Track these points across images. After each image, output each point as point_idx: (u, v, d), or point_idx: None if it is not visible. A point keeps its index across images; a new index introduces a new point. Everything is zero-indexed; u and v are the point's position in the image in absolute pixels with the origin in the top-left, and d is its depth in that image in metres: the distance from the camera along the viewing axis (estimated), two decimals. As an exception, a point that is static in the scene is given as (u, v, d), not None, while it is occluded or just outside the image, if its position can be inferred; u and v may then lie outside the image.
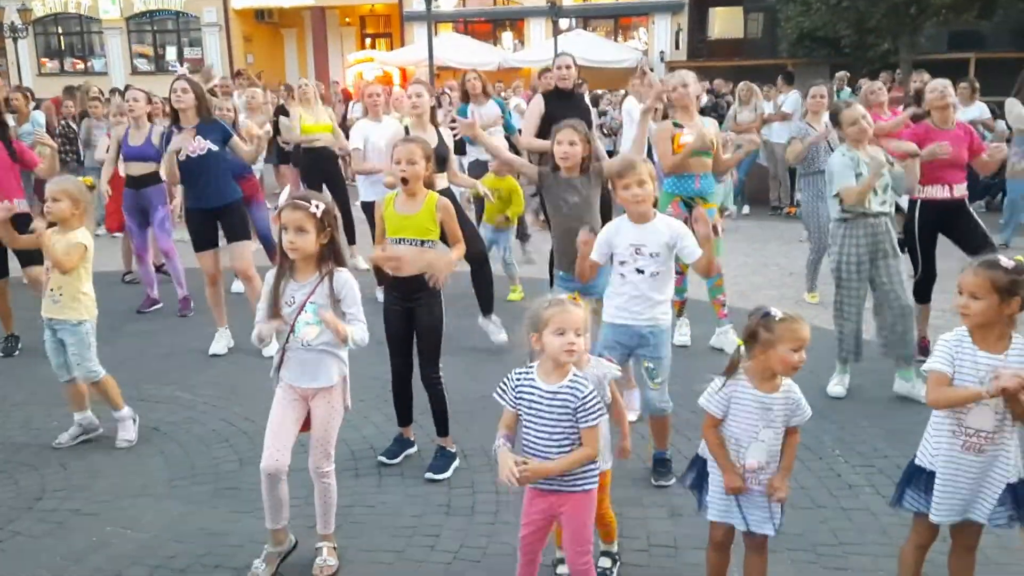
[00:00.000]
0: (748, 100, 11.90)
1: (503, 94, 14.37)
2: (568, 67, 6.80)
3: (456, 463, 4.41)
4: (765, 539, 3.03)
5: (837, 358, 5.36)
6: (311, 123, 8.99)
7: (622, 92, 13.41)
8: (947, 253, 5.86)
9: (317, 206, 3.30)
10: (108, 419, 4.88)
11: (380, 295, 5.16)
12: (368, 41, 33.18)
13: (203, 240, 6.24)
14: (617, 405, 3.25)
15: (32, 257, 6.20)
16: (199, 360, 6.19)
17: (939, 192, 5.71)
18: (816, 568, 3.50)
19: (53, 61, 33.50)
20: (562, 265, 4.77)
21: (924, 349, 5.68)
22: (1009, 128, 9.63)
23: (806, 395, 2.97)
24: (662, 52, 29.31)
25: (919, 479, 2.94)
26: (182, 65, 23.57)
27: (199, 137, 5.93)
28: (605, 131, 12.69)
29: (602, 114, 13.57)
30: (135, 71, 31.69)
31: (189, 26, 32.22)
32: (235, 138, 6.18)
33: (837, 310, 5.33)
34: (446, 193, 5.95)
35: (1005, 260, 2.75)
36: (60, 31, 33.56)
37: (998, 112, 10.60)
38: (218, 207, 6.15)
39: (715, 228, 6.01)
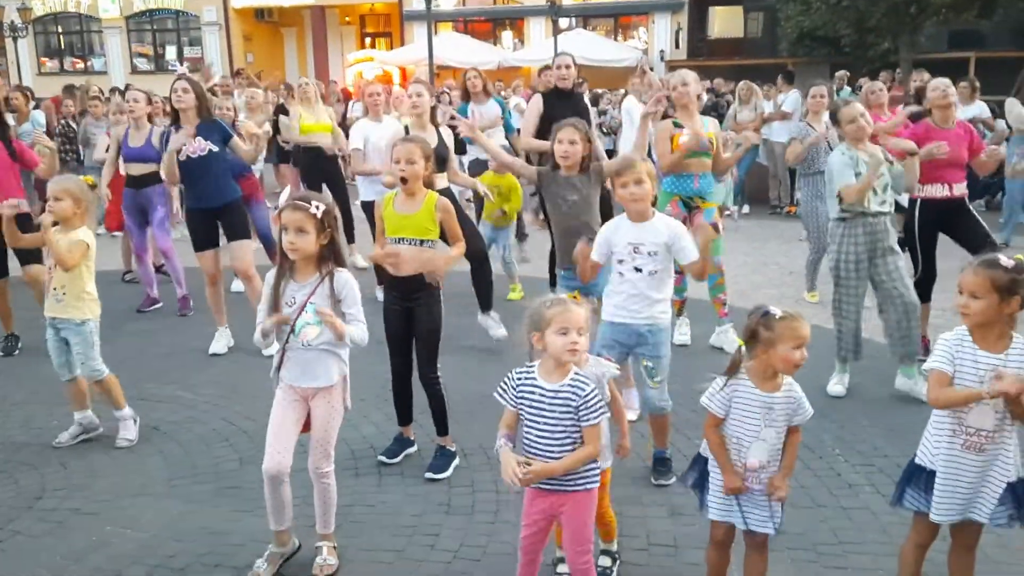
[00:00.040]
0: (748, 99, 11.89)
1: (503, 93, 14.36)
2: (568, 67, 6.80)
3: (456, 462, 4.41)
4: (765, 538, 3.03)
5: (836, 357, 5.36)
6: (311, 122, 8.98)
7: (622, 91, 13.42)
8: (947, 252, 5.86)
9: (317, 207, 3.30)
10: (108, 418, 4.88)
11: (380, 294, 5.17)
12: (368, 40, 33.18)
13: (203, 240, 6.24)
14: (616, 404, 3.25)
15: (31, 256, 6.20)
16: (199, 359, 6.19)
17: (939, 191, 5.71)
18: (816, 567, 3.50)
19: (53, 60, 33.49)
20: (563, 264, 4.77)
21: (924, 348, 5.67)
22: (1009, 127, 9.62)
23: (806, 394, 2.97)
24: (662, 51, 29.31)
25: (919, 478, 2.95)
26: (182, 64, 23.56)
27: (199, 138, 5.93)
28: (604, 130, 12.69)
29: (602, 113, 13.56)
30: (135, 70, 31.69)
31: (189, 25, 32.21)
32: (235, 138, 6.18)
33: (836, 309, 5.33)
34: (445, 193, 5.95)
35: (1005, 259, 2.75)
36: (60, 30, 33.55)
37: (998, 111, 10.60)
38: (218, 207, 6.15)
39: (715, 227, 6.02)
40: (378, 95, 7.42)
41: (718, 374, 2.97)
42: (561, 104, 6.60)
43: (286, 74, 29.02)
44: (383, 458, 4.48)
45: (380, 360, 4.55)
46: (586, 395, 2.83)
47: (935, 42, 25.85)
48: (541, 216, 7.03)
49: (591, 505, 2.97)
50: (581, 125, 4.69)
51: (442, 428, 4.43)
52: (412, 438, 4.61)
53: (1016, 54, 22.11)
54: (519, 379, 2.91)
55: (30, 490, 4.28)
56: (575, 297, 3.79)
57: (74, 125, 10.90)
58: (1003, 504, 2.87)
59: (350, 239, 8.59)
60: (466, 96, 8.34)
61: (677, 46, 29.77)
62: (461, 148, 6.97)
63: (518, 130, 8.05)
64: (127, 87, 11.22)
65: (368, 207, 6.68)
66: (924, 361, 3.44)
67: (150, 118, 7.54)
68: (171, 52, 32.34)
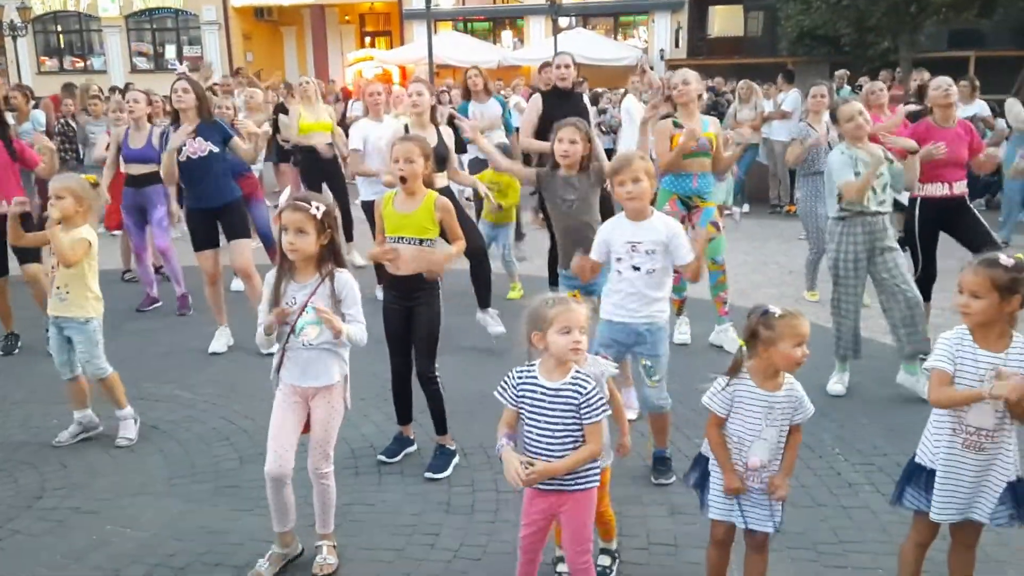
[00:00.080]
0: (748, 98, 11.89)
1: (503, 92, 14.36)
2: (567, 66, 6.78)
3: (456, 460, 4.41)
4: (766, 537, 3.03)
5: (836, 356, 5.36)
6: (311, 121, 8.98)
7: (621, 90, 13.41)
8: (947, 252, 5.86)
9: (317, 207, 3.30)
10: (108, 417, 4.88)
11: (380, 294, 5.17)
12: (368, 39, 33.18)
13: (203, 240, 6.24)
14: (615, 402, 3.25)
15: (29, 255, 6.20)
16: (199, 358, 6.19)
17: (939, 190, 5.71)
18: (816, 566, 3.50)
19: (52, 59, 33.50)
20: (564, 264, 4.77)
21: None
22: (1009, 127, 9.62)
23: (806, 393, 2.97)
24: (662, 50, 29.33)
25: (919, 477, 2.94)
26: (181, 63, 23.56)
27: (200, 138, 5.93)
28: (603, 129, 12.68)
29: (601, 112, 13.57)
30: (134, 69, 31.70)
31: (188, 24, 32.23)
32: (235, 138, 6.18)
33: (834, 307, 5.32)
34: (445, 191, 5.95)
35: (1005, 258, 2.74)
36: (59, 29, 33.56)
37: (998, 110, 10.60)
38: (218, 206, 6.15)
39: (716, 225, 6.03)
40: (379, 95, 7.42)
41: (719, 374, 2.97)
42: (561, 104, 6.59)
43: (286, 73, 29.02)
44: (383, 457, 4.48)
45: (380, 359, 4.55)
46: (588, 393, 2.83)
47: (935, 41, 25.86)
48: (540, 215, 7.04)
49: (591, 504, 2.97)
50: (582, 125, 4.69)
51: (441, 427, 4.43)
52: (412, 437, 4.61)
53: (1016, 53, 22.11)
54: (519, 378, 2.91)
55: (30, 489, 4.28)
56: (575, 296, 3.81)
57: (73, 124, 10.90)
58: (1003, 504, 2.87)
59: (349, 238, 8.59)
60: (467, 95, 8.32)
61: (677, 45, 29.78)
62: (461, 147, 6.97)
63: (517, 129, 8.05)
64: (127, 86, 11.21)
65: (368, 207, 6.68)
66: (924, 359, 3.44)
67: (150, 118, 7.53)
68: (170, 51, 32.36)
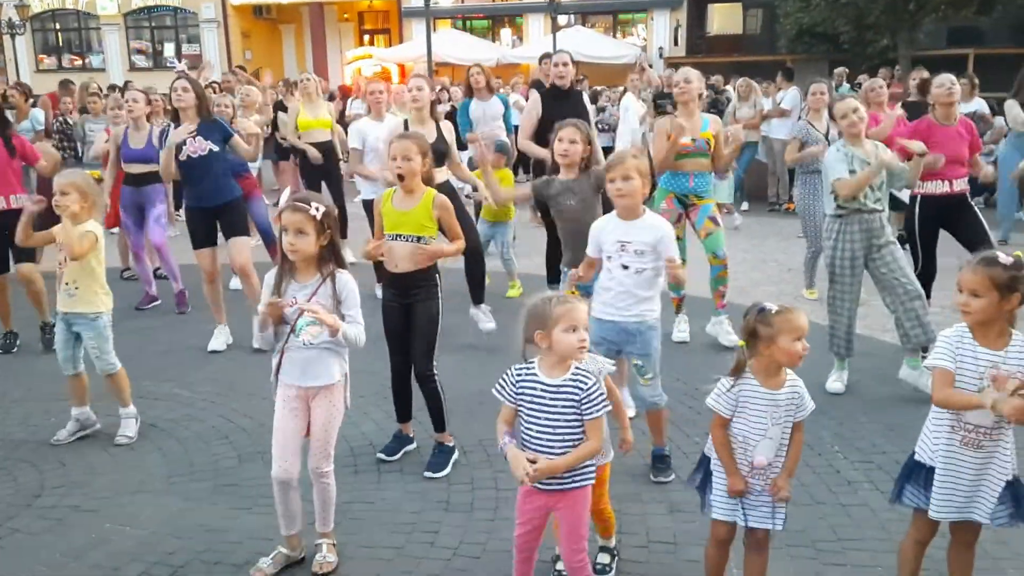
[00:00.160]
0: (747, 96, 11.89)
1: (502, 90, 14.35)
2: (565, 64, 6.76)
3: (455, 457, 4.41)
4: (766, 536, 3.03)
5: (834, 354, 5.35)
6: (310, 118, 8.98)
7: (620, 89, 13.42)
8: (947, 250, 5.86)
9: (317, 208, 3.30)
10: (106, 416, 4.89)
11: (379, 292, 5.16)
12: (366, 37, 33.15)
13: (202, 238, 6.24)
14: (615, 399, 3.26)
15: (24, 255, 6.19)
16: (197, 357, 6.19)
17: (939, 187, 5.70)
18: (815, 564, 3.50)
19: (51, 57, 33.46)
20: (568, 262, 4.77)
21: (923, 344, 5.67)
22: (1008, 127, 9.61)
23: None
24: (661, 48, 29.32)
25: (919, 475, 2.95)
26: (180, 61, 23.51)
27: (200, 137, 5.92)
28: (602, 127, 12.68)
29: (600, 111, 13.56)
30: (133, 67, 31.67)
31: (187, 22, 32.20)
32: (235, 137, 6.19)
33: (831, 305, 5.32)
34: (445, 186, 5.95)
35: (1004, 256, 2.74)
36: (58, 27, 33.52)
37: (997, 108, 10.59)
38: (218, 205, 6.16)
39: (714, 220, 6.03)
40: (380, 93, 7.42)
41: (723, 375, 2.96)
42: (560, 104, 6.58)
43: (284, 71, 29.01)
44: (382, 455, 4.48)
45: (379, 358, 4.55)
46: (589, 388, 2.84)
47: (934, 39, 25.87)
48: (539, 214, 7.04)
49: (587, 502, 2.97)
50: (582, 126, 4.68)
51: (440, 425, 4.42)
52: (411, 435, 4.61)
53: (1015, 51, 22.13)
54: (519, 376, 2.91)
55: (29, 488, 4.28)
56: (575, 293, 3.81)
57: (71, 122, 10.87)
58: (1003, 503, 2.87)
59: (343, 235, 8.59)
60: (469, 92, 8.30)
61: (676, 43, 29.77)
62: (460, 146, 6.97)
63: (517, 127, 8.04)
64: (126, 84, 11.19)
65: (369, 205, 6.68)
66: (925, 356, 3.44)
67: (148, 118, 7.53)
68: (169, 49, 32.33)
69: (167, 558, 3.62)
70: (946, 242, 5.89)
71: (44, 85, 19.71)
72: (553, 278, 6.17)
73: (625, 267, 3.97)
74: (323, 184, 8.54)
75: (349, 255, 8.30)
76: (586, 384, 2.85)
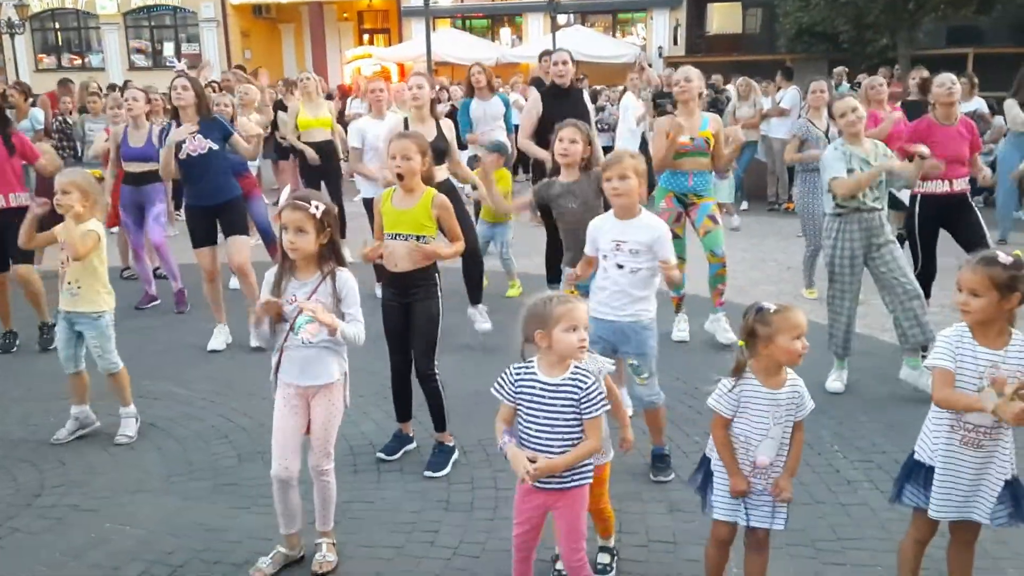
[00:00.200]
0: (747, 96, 11.89)
1: (501, 89, 14.33)
2: (564, 63, 6.74)
3: (455, 456, 4.41)
4: (767, 535, 3.03)
5: (833, 353, 5.35)
6: (310, 118, 8.97)
7: (620, 88, 13.41)
8: (947, 249, 5.86)
9: (317, 207, 3.30)
10: (105, 415, 4.89)
11: (379, 291, 5.16)
12: (366, 37, 33.13)
13: (202, 237, 6.23)
14: (614, 398, 3.26)
15: (24, 255, 6.19)
16: (197, 356, 6.19)
17: (939, 187, 5.70)
18: (815, 563, 3.50)
19: (50, 57, 33.43)
20: (568, 263, 4.77)
21: (923, 344, 5.67)
22: (1007, 126, 9.61)
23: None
24: (660, 48, 29.31)
25: (918, 474, 2.95)
26: (180, 61, 23.48)
27: (199, 136, 5.92)
28: (601, 127, 12.68)
29: (600, 110, 13.56)
30: (132, 67, 31.65)
31: (187, 21, 32.18)
32: (235, 135, 6.18)
33: (830, 304, 5.32)
34: (445, 185, 5.94)
35: (1003, 256, 2.74)
36: (57, 27, 33.49)
37: (996, 107, 10.60)
38: (218, 204, 6.15)
39: (713, 218, 6.04)
40: (380, 91, 7.41)
41: (723, 375, 2.96)
42: (560, 102, 6.57)
43: (284, 70, 29.00)
44: (382, 455, 4.48)
45: (379, 357, 4.55)
46: (588, 388, 2.84)
47: (933, 38, 25.88)
48: (538, 213, 7.03)
49: (585, 501, 2.97)
50: (583, 126, 4.67)
51: (440, 424, 4.43)
52: (411, 435, 4.60)
53: (1014, 50, 22.14)
54: (518, 375, 2.91)
55: (29, 487, 4.28)
56: (574, 293, 3.81)
57: (71, 121, 10.87)
58: (1002, 503, 2.87)
59: (342, 234, 8.59)
60: (470, 91, 8.30)
61: (675, 42, 29.77)
62: (460, 146, 6.96)
63: (517, 127, 8.04)
64: (126, 84, 11.19)
65: (369, 204, 6.68)
66: (924, 356, 3.44)
67: (148, 116, 7.52)
68: (169, 48, 32.31)
69: (166, 557, 3.62)
70: (946, 242, 5.89)
71: (43, 85, 19.71)
72: (553, 277, 6.17)
73: (620, 266, 3.96)
74: (322, 184, 8.54)
75: (347, 255, 8.31)
76: (585, 383, 2.85)
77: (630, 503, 3.95)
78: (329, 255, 3.40)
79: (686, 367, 5.64)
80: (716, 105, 12.72)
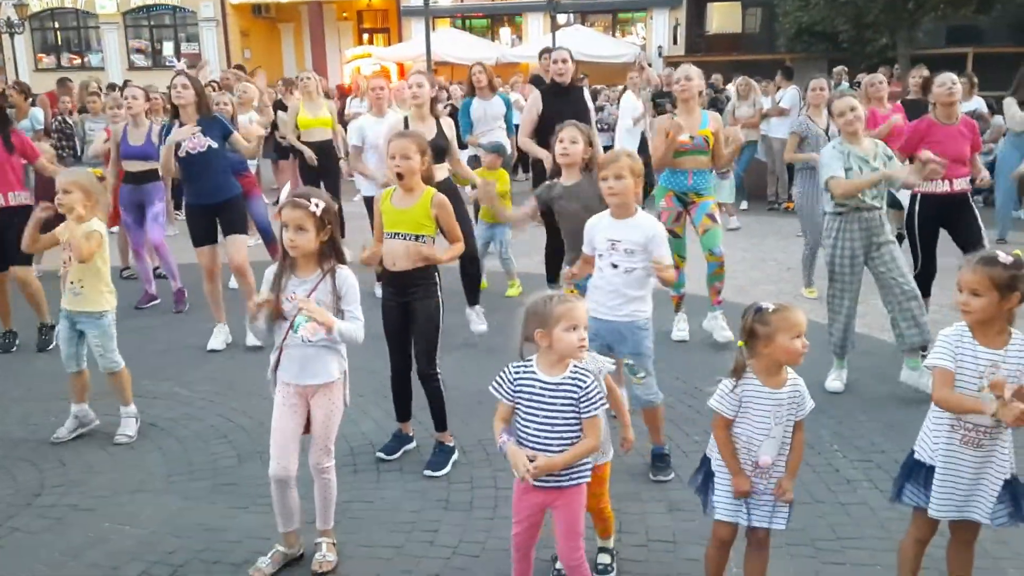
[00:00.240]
0: (746, 95, 11.89)
1: (502, 89, 14.32)
2: (564, 61, 6.74)
3: (455, 457, 4.41)
4: (767, 534, 3.03)
5: (833, 353, 5.35)
6: (310, 118, 8.97)
7: (620, 87, 13.40)
8: (947, 249, 5.86)
9: (317, 204, 3.30)
10: (105, 415, 4.89)
11: (379, 291, 5.16)
12: (365, 36, 33.12)
13: (202, 236, 6.23)
14: (615, 397, 3.27)
15: (21, 257, 6.19)
16: (196, 356, 6.19)
17: (939, 186, 5.69)
18: (815, 563, 3.50)
19: (50, 56, 33.42)
20: (570, 263, 4.76)
21: (923, 343, 5.67)
22: (1006, 126, 9.61)
23: (804, 389, 2.97)
24: (660, 47, 29.31)
25: (918, 474, 2.95)
26: (179, 60, 23.45)
27: (199, 134, 5.92)
28: (601, 126, 12.67)
29: (599, 109, 13.55)
30: (132, 66, 31.65)
31: (186, 21, 32.18)
32: (235, 134, 6.18)
33: (830, 303, 5.32)
34: (446, 183, 5.94)
35: (1004, 256, 2.74)
36: (56, 26, 33.48)
37: (996, 107, 10.59)
38: (218, 202, 6.15)
39: (712, 217, 6.04)
40: (381, 89, 7.40)
41: (723, 375, 2.96)
42: (560, 101, 6.56)
43: (283, 70, 28.99)
44: (382, 454, 4.48)
45: (379, 356, 4.55)
46: (587, 387, 2.85)
47: (933, 38, 25.88)
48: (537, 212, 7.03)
49: (582, 500, 2.98)
50: (583, 127, 4.67)
51: (440, 424, 4.43)
52: (411, 434, 4.60)
53: (1014, 49, 22.15)
54: (517, 373, 2.92)
55: (28, 487, 4.28)
56: (574, 292, 3.81)
57: (70, 121, 10.87)
58: (1002, 502, 2.87)
59: (341, 234, 8.59)
60: (471, 91, 8.29)
61: (675, 42, 29.77)
62: (460, 146, 6.96)
63: (518, 126, 8.03)
64: (126, 83, 11.20)
65: (370, 202, 6.68)
66: (924, 356, 3.44)
67: (147, 115, 7.52)
68: (168, 48, 32.32)
69: (166, 557, 3.62)
70: (946, 242, 5.88)
71: (43, 84, 19.72)
72: (553, 277, 6.17)
73: (615, 266, 3.96)
74: (321, 184, 8.54)
75: (347, 255, 8.31)
76: (585, 382, 2.85)
77: (630, 503, 3.95)
78: (329, 253, 3.40)
79: (686, 366, 5.64)
80: (716, 105, 12.73)
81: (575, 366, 2.89)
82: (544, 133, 6.13)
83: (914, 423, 3.15)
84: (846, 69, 15.53)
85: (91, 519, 3.95)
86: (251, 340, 6.20)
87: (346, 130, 8.34)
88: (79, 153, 9.50)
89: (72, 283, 4.63)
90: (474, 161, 8.22)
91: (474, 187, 6.90)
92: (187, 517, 3.95)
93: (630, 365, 4.08)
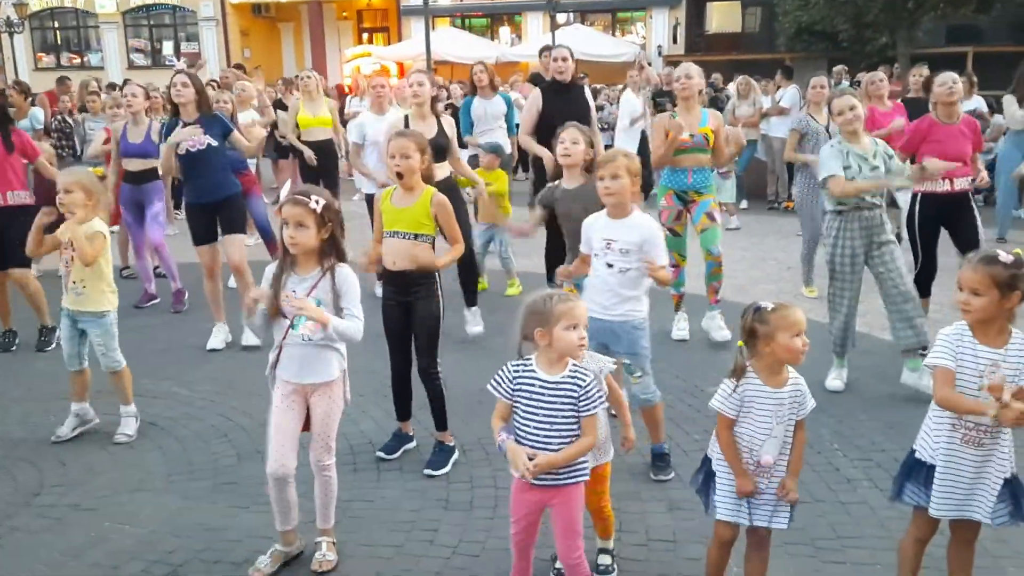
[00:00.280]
0: (746, 94, 11.88)
1: (503, 88, 14.29)
2: (564, 59, 6.71)
3: (455, 457, 4.41)
4: (768, 534, 3.03)
5: (833, 352, 5.35)
6: (309, 117, 8.96)
7: (619, 87, 13.39)
8: (948, 248, 5.86)
9: (317, 201, 3.30)
10: (105, 414, 4.89)
11: (379, 290, 5.16)
12: (365, 36, 33.11)
13: (202, 234, 6.23)
14: (617, 397, 3.26)
15: (18, 259, 6.19)
16: (196, 355, 6.18)
17: (939, 186, 5.68)
18: (814, 562, 3.50)
19: (49, 56, 33.42)
20: (571, 262, 4.76)
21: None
22: (1006, 124, 9.61)
23: (804, 388, 2.97)
24: (660, 46, 29.31)
25: (919, 473, 2.94)
26: (179, 60, 23.44)
27: (192, 127, 5.92)
28: (601, 126, 12.67)
29: (599, 108, 13.55)
30: (131, 65, 31.64)
31: (186, 20, 32.17)
32: (235, 132, 6.18)
33: (830, 302, 5.32)
34: (447, 182, 5.92)
35: (1004, 255, 2.74)
36: (56, 25, 33.49)
37: (995, 106, 10.59)
38: (218, 200, 6.14)
39: (711, 216, 6.03)
40: (382, 87, 7.40)
41: (723, 375, 2.96)
42: (560, 98, 6.55)
43: (283, 69, 28.98)
44: (381, 454, 4.48)
45: (379, 356, 4.55)
46: (587, 386, 2.86)
47: (933, 37, 25.87)
48: (537, 211, 7.01)
49: (580, 498, 2.98)
50: (585, 129, 4.67)
51: (441, 423, 4.43)
52: (411, 434, 4.60)
53: (1014, 49, 22.13)
54: (516, 372, 2.92)
55: (28, 486, 4.28)
56: (573, 291, 3.80)
57: (70, 120, 10.87)
58: (1002, 501, 2.87)
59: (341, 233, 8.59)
60: (473, 90, 8.27)
61: (675, 41, 29.77)
62: (460, 144, 6.95)
63: (519, 125, 8.03)
64: (125, 82, 11.19)
65: (371, 200, 6.67)
66: (924, 355, 3.44)
67: (147, 113, 7.52)
68: (168, 47, 32.32)
69: (166, 557, 3.62)
70: (947, 241, 5.88)
71: (42, 83, 19.71)
72: (553, 277, 6.15)
73: (610, 265, 3.96)
74: (320, 183, 8.53)
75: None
76: (584, 381, 2.86)
77: (630, 502, 3.95)
78: (330, 251, 3.39)
79: (686, 365, 5.64)
80: (716, 104, 12.71)
81: (574, 365, 2.89)
82: (544, 131, 6.12)
83: (914, 422, 3.15)
84: (846, 68, 15.53)
85: (91, 519, 3.95)
86: (247, 340, 6.20)
87: (346, 129, 8.34)
88: (78, 152, 9.50)
89: (74, 283, 4.63)
90: (473, 160, 8.21)
91: (473, 186, 6.91)
92: (187, 516, 3.95)
93: (626, 365, 4.07)
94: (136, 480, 4.32)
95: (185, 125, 5.93)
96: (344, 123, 10.05)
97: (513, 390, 2.91)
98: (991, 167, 9.49)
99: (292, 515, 3.51)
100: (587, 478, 2.99)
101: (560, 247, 4.93)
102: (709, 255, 6.05)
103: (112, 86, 14.63)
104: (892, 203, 6.56)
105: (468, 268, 6.41)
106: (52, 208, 4.79)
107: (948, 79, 5.71)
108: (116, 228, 8.45)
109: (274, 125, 10.76)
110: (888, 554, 3.39)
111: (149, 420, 4.98)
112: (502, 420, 2.95)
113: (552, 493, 2.92)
